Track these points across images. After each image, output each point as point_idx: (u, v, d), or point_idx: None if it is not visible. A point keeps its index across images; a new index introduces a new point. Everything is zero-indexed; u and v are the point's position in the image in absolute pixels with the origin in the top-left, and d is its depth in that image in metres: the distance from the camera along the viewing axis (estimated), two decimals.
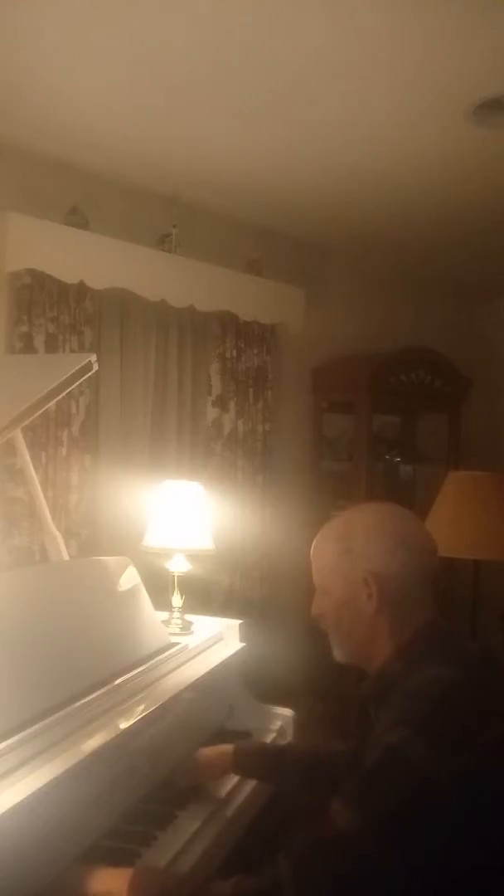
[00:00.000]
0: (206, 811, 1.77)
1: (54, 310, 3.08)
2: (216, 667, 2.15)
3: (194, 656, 2.15)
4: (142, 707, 1.75)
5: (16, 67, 2.52)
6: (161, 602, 2.27)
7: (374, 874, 1.16)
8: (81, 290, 3.13)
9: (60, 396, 2.35)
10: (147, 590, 2.15)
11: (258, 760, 1.87)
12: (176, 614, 2.38)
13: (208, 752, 1.91)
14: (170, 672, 1.98)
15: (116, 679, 1.79)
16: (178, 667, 2.03)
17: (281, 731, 2.28)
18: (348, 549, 1.44)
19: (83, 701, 1.64)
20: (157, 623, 2.13)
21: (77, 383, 2.30)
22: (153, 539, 2.47)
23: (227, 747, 1.90)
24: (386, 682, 1.38)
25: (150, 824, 1.64)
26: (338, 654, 1.50)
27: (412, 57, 2.41)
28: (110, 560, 2.14)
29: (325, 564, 1.48)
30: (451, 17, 2.19)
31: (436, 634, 1.41)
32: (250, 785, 1.95)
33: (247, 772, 1.90)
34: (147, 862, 1.53)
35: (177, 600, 2.40)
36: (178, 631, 2.31)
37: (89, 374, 2.24)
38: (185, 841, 1.63)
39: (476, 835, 1.17)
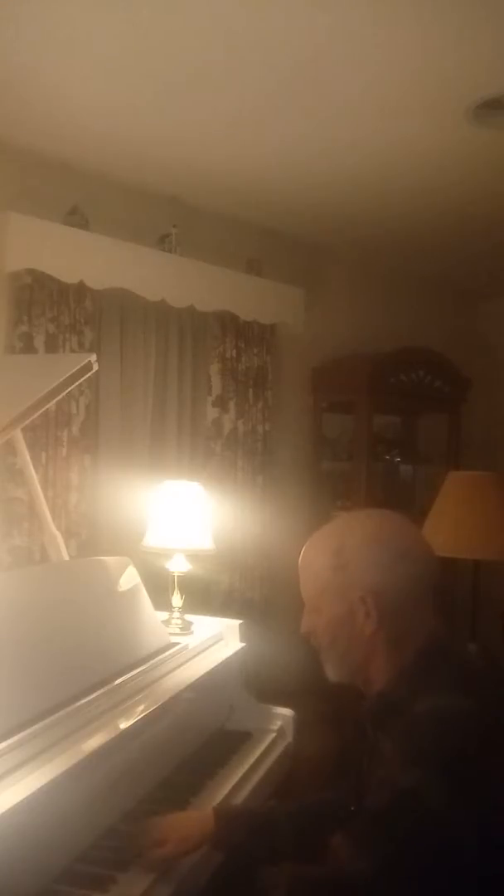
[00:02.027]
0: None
1: (54, 310, 3.08)
2: (216, 667, 2.15)
3: (194, 656, 2.15)
4: (142, 707, 1.75)
5: (16, 68, 2.52)
6: (161, 602, 2.27)
7: None
8: (81, 290, 3.13)
9: (60, 396, 2.35)
10: (147, 590, 2.15)
11: (244, 823, 1.58)
12: (176, 614, 2.37)
13: (180, 819, 1.59)
14: (170, 672, 1.98)
15: (116, 679, 1.78)
16: (178, 667, 2.03)
17: (281, 731, 2.28)
18: (343, 566, 1.34)
19: (83, 701, 1.64)
20: (157, 623, 2.13)
21: (77, 383, 2.30)
22: (153, 539, 2.47)
23: (205, 813, 1.59)
24: (388, 706, 1.30)
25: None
26: (331, 675, 1.41)
27: (412, 57, 2.41)
28: (110, 560, 2.14)
29: (317, 581, 1.38)
30: (451, 17, 2.19)
31: (439, 652, 1.32)
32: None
33: (231, 840, 1.55)
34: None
35: (177, 600, 2.40)
36: (178, 631, 2.31)
37: (89, 374, 2.24)
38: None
39: (492, 869, 1.14)
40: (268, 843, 1.54)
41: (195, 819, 1.60)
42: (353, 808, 1.39)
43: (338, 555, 1.35)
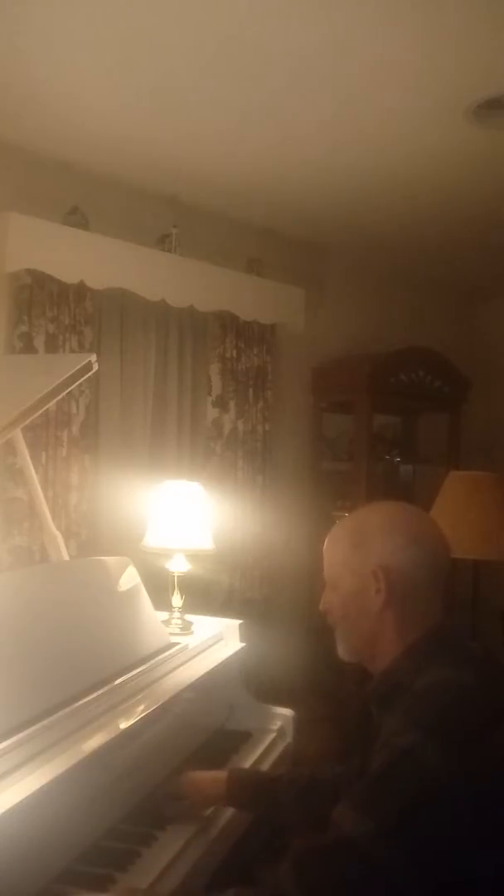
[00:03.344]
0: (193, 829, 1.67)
1: (54, 310, 3.08)
2: (216, 667, 2.15)
3: (194, 656, 2.15)
4: (142, 707, 1.75)
5: (16, 68, 2.52)
6: (161, 602, 2.27)
7: (384, 878, 1.13)
8: (81, 290, 3.13)
9: (60, 396, 2.35)
10: (147, 590, 2.14)
11: (253, 788, 1.76)
12: (176, 614, 2.37)
13: (199, 778, 1.80)
14: (170, 672, 1.97)
15: (116, 679, 1.78)
16: (178, 667, 2.03)
17: (281, 731, 2.28)
18: (360, 543, 1.41)
19: (83, 701, 1.64)
20: (157, 623, 2.13)
21: (77, 383, 2.30)
22: (153, 539, 2.47)
23: (220, 774, 1.79)
24: (392, 683, 1.35)
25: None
26: (342, 651, 1.47)
27: (412, 57, 2.41)
28: (110, 560, 2.14)
29: (335, 558, 1.46)
30: (451, 17, 2.19)
31: (444, 638, 1.38)
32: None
33: (240, 802, 1.76)
34: (144, 863, 1.52)
35: (177, 600, 2.40)
36: (178, 631, 2.31)
37: (89, 374, 2.24)
38: (171, 857, 1.56)
39: (488, 836, 1.15)
40: (271, 808, 1.74)
41: (210, 778, 1.78)
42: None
43: (357, 533, 1.43)
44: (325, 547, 1.50)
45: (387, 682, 1.37)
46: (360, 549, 1.41)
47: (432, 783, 1.15)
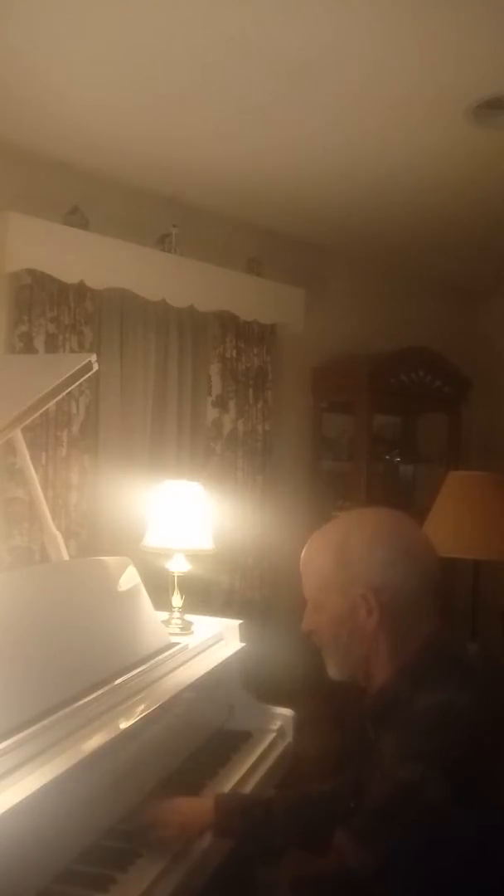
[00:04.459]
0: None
1: (54, 310, 3.08)
2: (216, 667, 2.14)
3: (194, 656, 2.15)
4: (142, 707, 1.75)
5: (16, 68, 2.52)
6: (161, 602, 2.27)
7: None
8: (81, 290, 3.14)
9: (60, 396, 2.35)
10: (147, 590, 2.14)
11: (241, 812, 1.63)
12: (176, 614, 2.37)
13: (184, 807, 1.64)
14: (170, 672, 1.97)
15: (116, 679, 1.78)
16: (178, 667, 2.02)
17: (281, 731, 2.27)
18: (346, 563, 1.34)
19: (83, 701, 1.64)
20: (157, 623, 2.13)
21: (77, 383, 2.29)
22: (153, 539, 2.47)
23: (206, 801, 1.65)
24: (388, 702, 1.31)
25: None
26: (333, 672, 1.41)
27: (412, 57, 2.41)
28: (110, 560, 2.14)
29: (319, 578, 1.39)
30: (451, 17, 2.19)
31: (440, 651, 1.33)
32: None
33: (230, 828, 1.60)
34: (144, 863, 1.52)
35: (177, 600, 2.40)
36: (178, 631, 2.31)
37: (89, 374, 2.23)
38: (171, 857, 1.52)
39: (492, 870, 1.14)
40: (263, 833, 1.60)
41: (197, 805, 1.65)
42: (351, 805, 1.39)
43: (340, 552, 1.36)
44: (303, 563, 1.43)
45: (383, 700, 1.33)
46: (346, 569, 1.34)
47: (435, 820, 1.13)
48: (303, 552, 1.44)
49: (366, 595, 1.32)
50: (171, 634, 2.21)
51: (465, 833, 1.13)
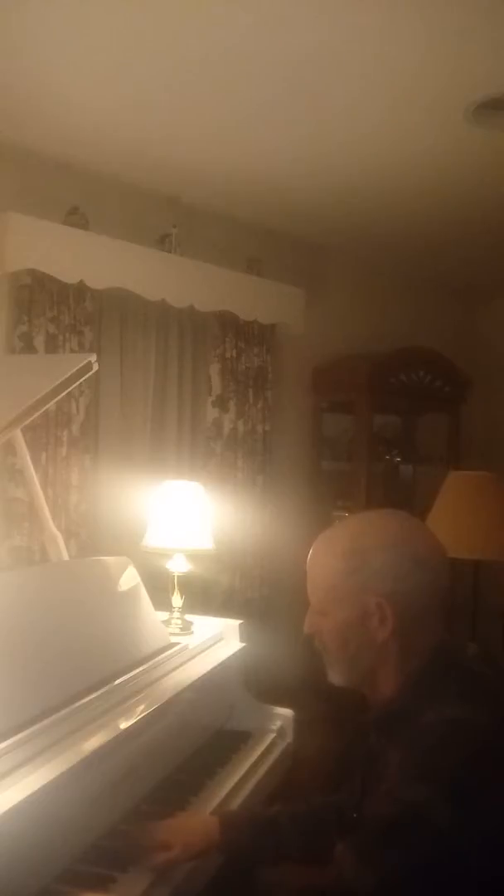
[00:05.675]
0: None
1: (54, 310, 3.08)
2: (216, 667, 2.15)
3: (194, 656, 2.15)
4: (142, 707, 1.75)
5: (16, 68, 2.52)
6: (161, 602, 2.27)
7: None
8: (81, 290, 3.13)
9: (60, 396, 2.35)
10: (147, 590, 2.14)
11: (249, 828, 1.56)
12: (176, 614, 2.37)
13: (184, 826, 1.57)
14: (170, 672, 1.97)
15: (116, 679, 1.78)
16: (178, 667, 2.03)
17: (281, 731, 2.28)
18: (356, 569, 1.29)
19: (83, 701, 1.64)
20: (157, 623, 2.13)
21: (77, 383, 2.29)
22: (153, 539, 2.47)
23: (209, 819, 1.59)
24: (394, 714, 1.28)
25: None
26: (336, 679, 1.36)
27: (412, 57, 2.41)
28: (110, 560, 2.14)
29: (326, 583, 1.34)
30: (451, 17, 2.19)
31: (447, 662, 1.30)
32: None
33: (236, 845, 1.54)
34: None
35: (177, 600, 2.40)
36: (178, 631, 2.31)
37: (89, 374, 2.23)
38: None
39: (494, 887, 1.13)
40: (272, 847, 1.53)
41: (200, 824, 1.59)
42: (354, 815, 1.37)
43: (351, 557, 1.31)
44: (309, 565, 1.38)
45: (388, 711, 1.30)
46: (357, 575, 1.29)
47: (440, 843, 1.11)
48: (309, 554, 1.40)
49: (380, 604, 1.28)
50: (171, 634, 2.21)
51: (468, 856, 1.11)
